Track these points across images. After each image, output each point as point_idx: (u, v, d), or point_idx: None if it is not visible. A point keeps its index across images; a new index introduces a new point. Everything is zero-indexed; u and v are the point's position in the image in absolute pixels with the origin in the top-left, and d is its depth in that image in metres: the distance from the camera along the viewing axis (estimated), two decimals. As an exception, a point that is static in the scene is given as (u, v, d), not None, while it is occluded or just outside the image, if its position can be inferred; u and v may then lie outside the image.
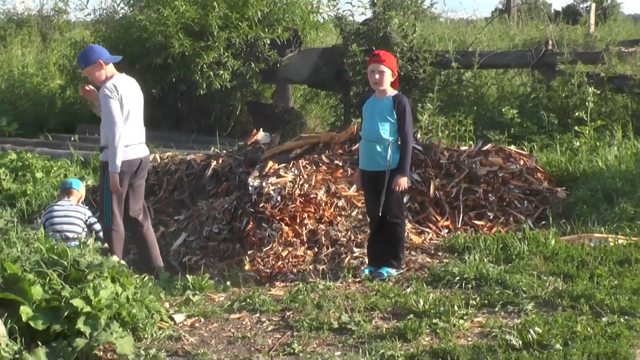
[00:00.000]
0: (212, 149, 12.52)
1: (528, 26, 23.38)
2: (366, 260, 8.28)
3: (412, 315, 6.53)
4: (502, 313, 6.65)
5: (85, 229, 9.04)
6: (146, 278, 7.35)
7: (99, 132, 8.59)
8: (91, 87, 8.49)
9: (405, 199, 9.51)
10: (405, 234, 8.53)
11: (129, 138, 8.24)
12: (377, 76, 7.89)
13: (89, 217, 9.22)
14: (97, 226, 8.98)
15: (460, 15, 23.03)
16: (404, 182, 7.84)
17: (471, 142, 12.23)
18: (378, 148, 7.80)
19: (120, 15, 19.88)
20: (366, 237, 8.62)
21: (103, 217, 8.48)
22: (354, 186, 9.35)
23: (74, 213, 9.22)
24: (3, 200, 11.95)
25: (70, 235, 8.80)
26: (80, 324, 5.81)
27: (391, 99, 7.85)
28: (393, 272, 7.89)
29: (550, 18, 22.18)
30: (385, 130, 7.78)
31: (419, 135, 10.99)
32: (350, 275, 7.91)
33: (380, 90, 7.97)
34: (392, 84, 8.00)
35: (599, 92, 13.48)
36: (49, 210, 9.47)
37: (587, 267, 7.50)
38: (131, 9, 19.56)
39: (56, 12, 27.72)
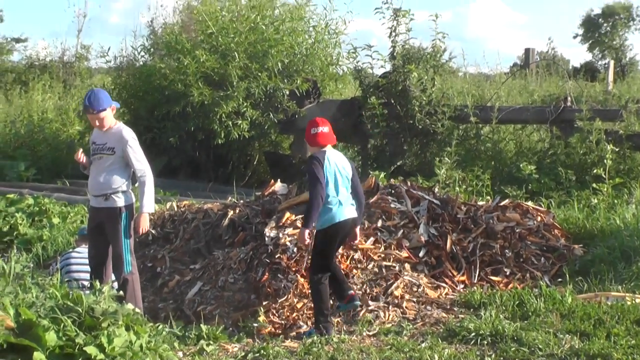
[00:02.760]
0: (229, 198, 12.55)
1: (547, 82, 23.45)
2: (382, 314, 8.24)
3: (427, 371, 6.47)
4: (518, 371, 6.59)
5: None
6: (160, 327, 7.32)
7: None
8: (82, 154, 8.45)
9: (421, 253, 9.49)
10: (335, 294, 8.17)
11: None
12: None
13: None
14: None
15: (480, 70, 23.04)
16: (300, 236, 7.74)
17: (488, 197, 12.23)
18: None
19: (141, 62, 20.14)
20: (381, 291, 8.61)
21: (121, 266, 8.20)
22: (371, 239, 9.35)
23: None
24: (19, 244, 12.01)
25: (87, 283, 8.75)
26: (93, 372, 5.79)
27: None
28: (312, 331, 7.78)
29: (569, 74, 22.29)
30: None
31: (436, 190, 10.98)
32: (365, 329, 7.85)
33: None
34: (316, 142, 7.85)
35: (617, 149, 13.47)
36: (66, 257, 9.45)
37: (603, 326, 7.43)
38: (151, 57, 19.79)
39: (77, 58, 28.02)
